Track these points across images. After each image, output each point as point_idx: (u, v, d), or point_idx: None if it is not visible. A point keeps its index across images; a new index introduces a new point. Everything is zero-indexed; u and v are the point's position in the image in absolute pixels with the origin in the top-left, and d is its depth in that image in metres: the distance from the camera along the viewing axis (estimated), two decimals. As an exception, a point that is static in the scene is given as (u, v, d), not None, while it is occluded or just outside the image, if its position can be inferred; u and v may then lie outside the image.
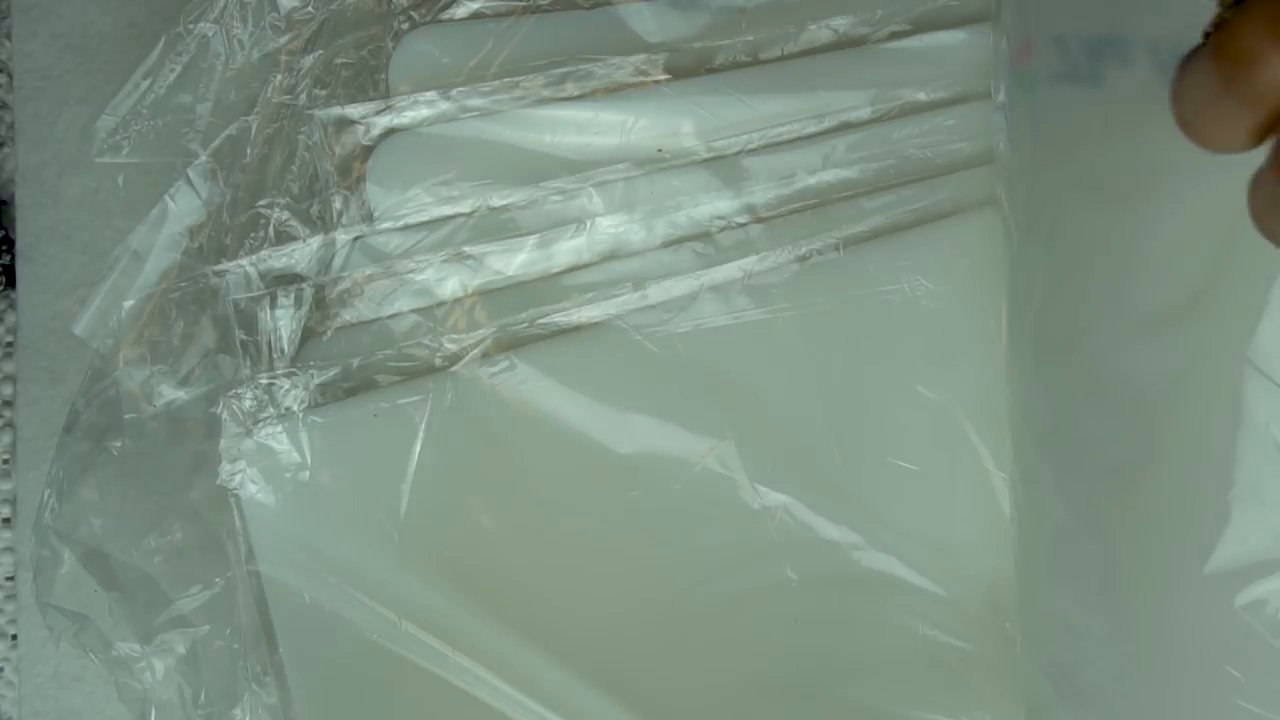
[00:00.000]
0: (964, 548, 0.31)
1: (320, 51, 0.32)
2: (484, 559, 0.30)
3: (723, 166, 0.31)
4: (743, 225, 0.31)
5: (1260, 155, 0.18)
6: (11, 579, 0.36)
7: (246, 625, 0.29)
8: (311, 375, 0.30)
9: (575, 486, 0.30)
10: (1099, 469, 0.26)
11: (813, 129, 0.32)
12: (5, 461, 0.36)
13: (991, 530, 0.30)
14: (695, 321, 0.31)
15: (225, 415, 0.29)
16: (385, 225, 0.31)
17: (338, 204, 0.31)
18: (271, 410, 0.29)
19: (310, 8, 0.32)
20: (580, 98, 0.31)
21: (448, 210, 0.31)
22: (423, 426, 0.30)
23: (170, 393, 0.31)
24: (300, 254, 0.31)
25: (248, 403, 0.29)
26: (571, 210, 0.31)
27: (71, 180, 0.36)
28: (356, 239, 0.31)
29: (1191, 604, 0.24)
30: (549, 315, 0.31)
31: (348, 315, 0.31)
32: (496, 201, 0.31)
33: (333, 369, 0.30)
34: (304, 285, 0.30)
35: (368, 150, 0.31)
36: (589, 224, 0.31)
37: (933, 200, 0.31)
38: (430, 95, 0.31)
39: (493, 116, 0.31)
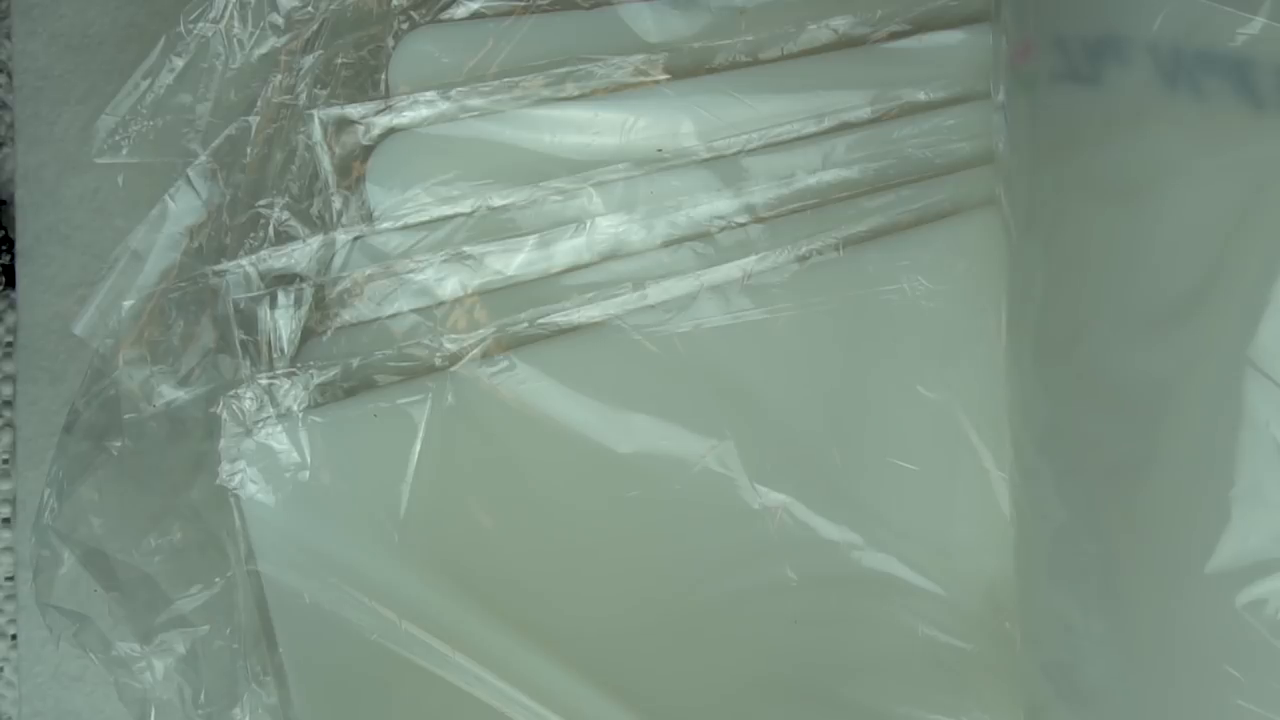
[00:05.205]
0: (964, 548, 0.31)
1: (320, 51, 0.32)
2: (484, 559, 0.30)
3: (723, 166, 0.31)
4: (743, 225, 0.31)
5: None
6: (11, 579, 0.36)
7: (246, 625, 0.29)
8: (311, 375, 0.30)
9: (575, 486, 0.30)
10: (1099, 469, 0.25)
11: (813, 129, 0.32)
12: (5, 461, 0.36)
13: (991, 530, 0.30)
14: (695, 321, 0.31)
15: (225, 415, 0.29)
16: (385, 225, 0.31)
17: (338, 204, 0.31)
18: (271, 410, 0.29)
19: (310, 8, 0.32)
20: (580, 98, 0.31)
21: (448, 210, 0.31)
22: (423, 426, 0.30)
23: (170, 393, 0.31)
24: (300, 254, 0.31)
25: (247, 403, 0.29)
26: (571, 210, 0.31)
27: (71, 180, 0.36)
28: (356, 239, 0.31)
29: (1191, 604, 0.24)
30: (549, 315, 0.31)
31: (348, 315, 0.31)
32: (496, 201, 0.31)
33: (333, 369, 0.30)
34: (304, 285, 0.30)
35: (368, 150, 0.31)
36: (589, 224, 0.31)
37: (932, 200, 0.31)
38: (430, 95, 0.31)
39: (493, 116, 0.31)
